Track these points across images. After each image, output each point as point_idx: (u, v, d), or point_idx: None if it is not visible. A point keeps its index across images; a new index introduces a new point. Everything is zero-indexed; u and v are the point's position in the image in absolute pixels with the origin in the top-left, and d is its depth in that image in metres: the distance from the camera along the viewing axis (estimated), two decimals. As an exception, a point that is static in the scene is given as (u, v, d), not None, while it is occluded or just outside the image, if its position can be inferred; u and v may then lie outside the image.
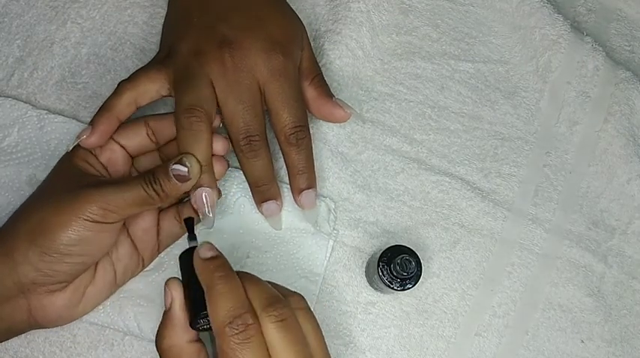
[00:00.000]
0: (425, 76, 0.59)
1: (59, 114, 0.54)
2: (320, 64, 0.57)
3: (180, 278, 0.42)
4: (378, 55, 0.59)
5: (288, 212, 0.53)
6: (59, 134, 0.53)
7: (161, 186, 0.44)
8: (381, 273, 0.48)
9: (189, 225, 0.45)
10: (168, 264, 0.51)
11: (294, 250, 0.53)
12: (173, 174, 0.43)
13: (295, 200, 0.50)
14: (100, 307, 0.49)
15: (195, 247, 0.42)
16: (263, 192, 0.49)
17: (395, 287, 0.48)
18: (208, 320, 0.40)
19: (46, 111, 0.53)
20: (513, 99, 0.59)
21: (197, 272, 0.40)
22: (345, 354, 0.52)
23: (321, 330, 0.41)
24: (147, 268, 0.51)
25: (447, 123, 0.58)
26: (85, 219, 0.42)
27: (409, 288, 0.49)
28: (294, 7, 0.53)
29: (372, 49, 0.59)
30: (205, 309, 0.39)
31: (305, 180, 0.49)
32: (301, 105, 0.49)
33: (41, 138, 0.53)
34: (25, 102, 0.54)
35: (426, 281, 0.54)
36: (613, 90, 0.59)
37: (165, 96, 0.48)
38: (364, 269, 0.54)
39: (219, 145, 0.47)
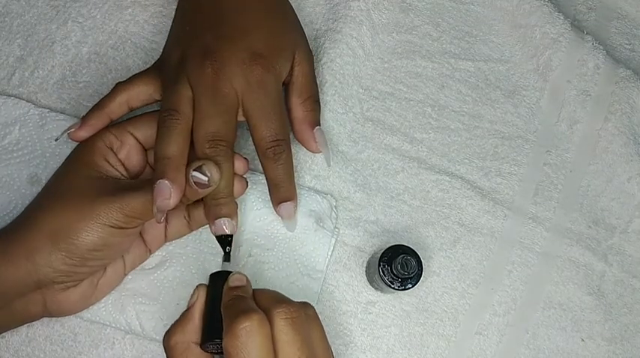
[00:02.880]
0: (425, 74, 0.59)
1: (61, 113, 0.54)
2: (320, 63, 0.57)
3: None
4: (378, 54, 0.59)
5: None
6: (61, 132, 0.53)
7: None
8: (381, 273, 0.48)
9: (223, 245, 0.46)
10: (170, 262, 0.51)
11: (297, 247, 0.53)
12: (193, 181, 0.44)
13: (275, 210, 0.49)
14: (102, 305, 0.49)
15: (226, 272, 0.44)
16: (215, 207, 0.47)
17: (396, 287, 0.48)
18: (218, 347, 0.41)
19: (48, 110, 0.54)
20: (514, 98, 0.59)
21: (223, 296, 0.42)
22: (346, 354, 0.52)
23: (327, 339, 0.42)
24: (149, 266, 0.51)
25: (447, 122, 0.58)
26: (110, 226, 0.43)
27: (410, 288, 0.49)
28: (294, 6, 0.53)
29: (373, 47, 0.59)
30: (219, 337, 0.40)
31: (284, 192, 0.48)
32: (280, 118, 0.48)
33: (42, 136, 0.53)
34: (27, 101, 0.54)
35: (427, 281, 0.54)
36: (613, 88, 0.59)
37: (158, 100, 0.49)
38: (364, 269, 0.54)
39: (240, 165, 0.48)
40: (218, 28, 0.48)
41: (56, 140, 0.51)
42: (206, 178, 0.44)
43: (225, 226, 0.45)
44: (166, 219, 0.49)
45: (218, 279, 0.44)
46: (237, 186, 0.47)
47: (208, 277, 0.45)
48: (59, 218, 0.43)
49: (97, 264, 0.45)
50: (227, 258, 0.46)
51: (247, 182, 0.49)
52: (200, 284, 0.44)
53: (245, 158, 0.48)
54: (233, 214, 0.46)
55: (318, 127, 0.50)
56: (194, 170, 0.44)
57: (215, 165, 0.44)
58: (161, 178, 0.43)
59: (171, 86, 0.47)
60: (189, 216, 0.50)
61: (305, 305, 0.42)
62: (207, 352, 0.42)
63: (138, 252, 0.49)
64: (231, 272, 0.44)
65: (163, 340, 0.42)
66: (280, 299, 0.41)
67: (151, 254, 0.51)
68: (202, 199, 0.47)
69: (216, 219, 0.45)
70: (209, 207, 0.46)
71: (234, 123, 0.47)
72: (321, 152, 0.51)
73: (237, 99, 0.47)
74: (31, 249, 0.43)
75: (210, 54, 0.46)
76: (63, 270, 0.43)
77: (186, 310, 0.43)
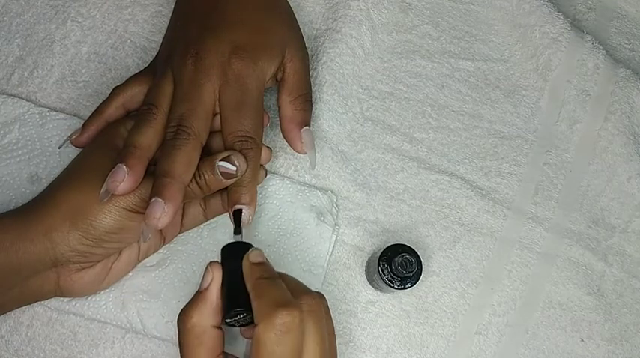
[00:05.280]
0: (425, 74, 0.59)
1: (61, 112, 0.54)
2: (320, 63, 0.57)
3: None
4: (378, 54, 0.59)
5: (291, 203, 0.53)
6: (61, 131, 0.53)
7: (205, 180, 0.44)
8: (381, 272, 0.48)
9: (237, 218, 0.45)
10: (172, 259, 0.51)
11: (298, 243, 0.53)
12: (219, 171, 0.44)
13: (228, 213, 0.46)
14: (103, 302, 0.50)
15: (239, 242, 0.43)
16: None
17: (395, 286, 0.48)
18: (240, 318, 0.41)
19: (48, 109, 0.54)
20: (513, 98, 0.59)
21: (245, 273, 0.41)
22: (346, 353, 0.52)
23: (324, 335, 0.41)
24: (150, 263, 0.51)
25: (446, 122, 0.58)
26: (128, 210, 0.43)
27: (409, 287, 0.49)
28: (293, 5, 0.53)
29: (372, 47, 0.59)
30: (242, 306, 0.40)
31: (242, 194, 0.45)
32: (254, 115, 0.46)
33: (42, 135, 0.53)
34: (27, 101, 0.54)
35: (426, 280, 0.54)
36: (613, 88, 0.59)
37: None
38: (364, 268, 0.54)
39: (265, 154, 0.48)
40: (204, 20, 0.48)
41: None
42: (234, 168, 0.44)
43: (242, 214, 0.45)
44: (183, 208, 0.50)
45: (231, 253, 0.43)
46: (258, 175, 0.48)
47: (220, 251, 0.44)
48: (78, 198, 0.44)
49: (113, 247, 0.45)
50: (238, 231, 0.45)
51: (266, 171, 0.50)
52: (213, 262, 0.42)
53: (269, 147, 0.49)
54: (253, 203, 0.46)
55: (306, 128, 0.49)
56: (221, 160, 0.44)
57: (242, 156, 0.44)
58: (121, 162, 0.43)
59: (157, 81, 0.47)
60: (205, 205, 0.50)
61: (322, 297, 0.42)
62: (229, 325, 0.41)
63: (153, 239, 0.49)
64: (243, 243, 0.43)
65: (178, 321, 0.41)
66: (304, 289, 0.41)
67: (165, 243, 0.51)
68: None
69: (235, 205, 0.45)
70: (231, 193, 0.46)
71: (202, 113, 0.45)
72: (306, 153, 0.50)
73: (214, 92, 0.46)
74: (49, 227, 0.43)
75: (193, 46, 0.46)
76: (79, 250, 0.43)
77: (200, 291, 0.42)
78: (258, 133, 0.46)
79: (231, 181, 0.45)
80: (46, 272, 0.44)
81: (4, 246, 0.42)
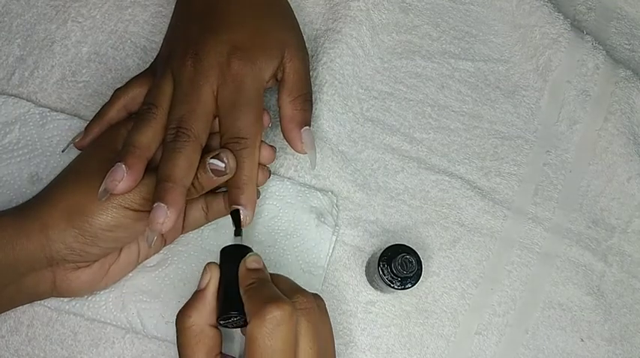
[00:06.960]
0: (425, 74, 0.59)
1: (61, 112, 0.54)
2: (320, 63, 0.57)
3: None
4: (378, 54, 0.59)
5: (291, 204, 0.53)
6: (61, 131, 0.53)
7: (197, 178, 0.45)
8: (381, 272, 0.48)
9: (236, 219, 0.45)
10: (172, 260, 0.51)
11: (298, 243, 0.53)
12: (210, 169, 0.44)
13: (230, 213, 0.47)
14: (103, 303, 0.50)
15: (239, 245, 0.44)
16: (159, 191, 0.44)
17: (395, 287, 0.48)
18: (234, 321, 0.42)
19: (48, 109, 0.54)
20: (513, 98, 0.59)
21: (240, 278, 0.42)
22: (346, 353, 0.52)
23: (333, 334, 0.42)
24: (150, 264, 0.51)
25: (447, 122, 0.58)
26: (125, 207, 0.44)
27: (409, 287, 0.49)
28: (294, 6, 0.53)
29: (372, 47, 0.59)
30: (235, 309, 0.41)
31: (238, 195, 0.46)
32: (250, 116, 0.46)
33: (43, 135, 0.53)
34: (27, 101, 0.54)
35: (426, 281, 0.54)
36: (613, 88, 0.59)
37: None
38: (364, 269, 0.54)
39: (266, 154, 0.48)
40: (204, 21, 0.48)
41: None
42: (223, 165, 0.44)
43: (241, 214, 0.46)
44: (184, 210, 0.50)
45: (230, 255, 0.44)
46: (259, 175, 0.48)
47: (219, 252, 0.44)
48: (75, 196, 0.44)
49: (109, 246, 0.45)
50: (239, 232, 0.45)
51: (270, 172, 0.50)
52: (211, 263, 0.43)
53: (272, 146, 0.49)
54: (250, 203, 0.46)
55: (306, 128, 0.49)
56: (212, 158, 0.44)
57: (232, 154, 0.45)
58: (120, 161, 0.43)
59: (157, 81, 0.47)
60: (207, 207, 0.50)
61: (317, 297, 0.42)
62: (223, 327, 0.42)
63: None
64: (242, 246, 0.44)
65: (177, 321, 0.42)
66: (297, 288, 0.41)
67: (166, 244, 0.51)
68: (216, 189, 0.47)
69: (234, 205, 0.46)
70: (229, 194, 0.46)
71: (201, 114, 0.45)
72: (306, 153, 0.50)
73: (212, 92, 0.46)
74: (45, 224, 0.43)
75: (192, 47, 0.47)
76: (75, 248, 0.44)
77: (198, 290, 0.43)
78: (253, 133, 0.46)
79: (222, 179, 0.45)
80: (41, 271, 0.44)
81: (1, 243, 0.42)
